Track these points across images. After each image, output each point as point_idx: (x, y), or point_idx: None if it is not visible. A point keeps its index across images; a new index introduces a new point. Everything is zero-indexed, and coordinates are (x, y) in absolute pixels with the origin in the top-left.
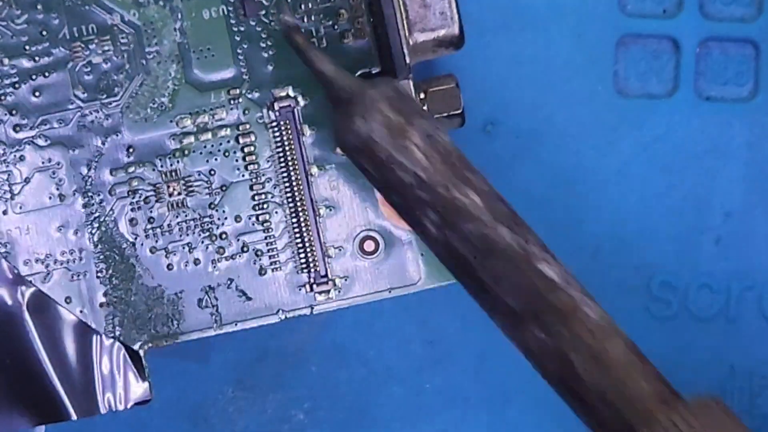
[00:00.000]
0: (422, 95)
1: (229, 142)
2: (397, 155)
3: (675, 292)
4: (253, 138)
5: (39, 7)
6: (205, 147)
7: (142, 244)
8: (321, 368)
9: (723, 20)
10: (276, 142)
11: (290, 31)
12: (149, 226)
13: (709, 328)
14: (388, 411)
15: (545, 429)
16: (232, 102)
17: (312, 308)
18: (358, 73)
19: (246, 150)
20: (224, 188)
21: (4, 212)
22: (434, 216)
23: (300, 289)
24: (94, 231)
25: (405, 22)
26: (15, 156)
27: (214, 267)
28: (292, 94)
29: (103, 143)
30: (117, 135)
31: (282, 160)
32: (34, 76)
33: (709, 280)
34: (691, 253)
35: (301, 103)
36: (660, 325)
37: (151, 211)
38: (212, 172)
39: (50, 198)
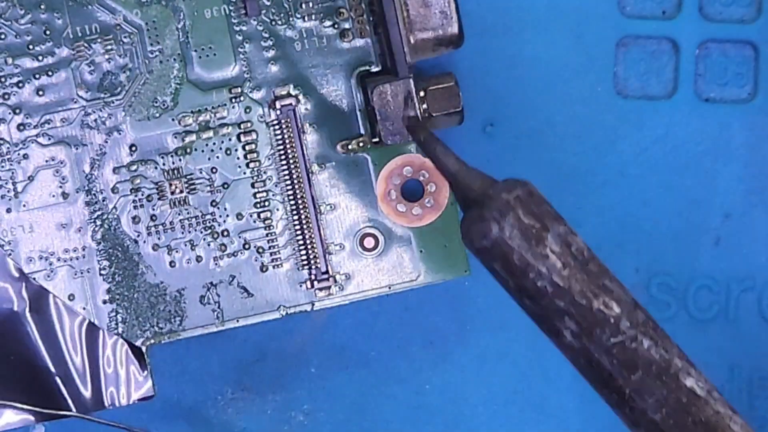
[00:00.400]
0: (422, 93)
1: (230, 140)
2: (534, 262)
3: (674, 292)
4: (254, 136)
5: (42, 6)
6: (206, 145)
7: (144, 242)
8: (321, 369)
9: (722, 22)
10: (277, 140)
11: (413, 125)
12: (152, 224)
13: (708, 329)
14: (388, 411)
15: (545, 429)
16: (233, 100)
17: (313, 304)
18: (358, 71)
19: (247, 148)
20: (226, 186)
21: (8, 210)
22: (573, 325)
23: (301, 286)
24: (97, 229)
25: (405, 20)
26: (19, 154)
27: (216, 264)
28: (293, 92)
29: (106, 141)
30: (120, 133)
31: (283, 158)
32: (37, 76)
33: (709, 280)
34: (691, 254)
35: (302, 101)
36: (660, 326)
37: (153, 209)
38: (214, 170)
39: (53, 196)
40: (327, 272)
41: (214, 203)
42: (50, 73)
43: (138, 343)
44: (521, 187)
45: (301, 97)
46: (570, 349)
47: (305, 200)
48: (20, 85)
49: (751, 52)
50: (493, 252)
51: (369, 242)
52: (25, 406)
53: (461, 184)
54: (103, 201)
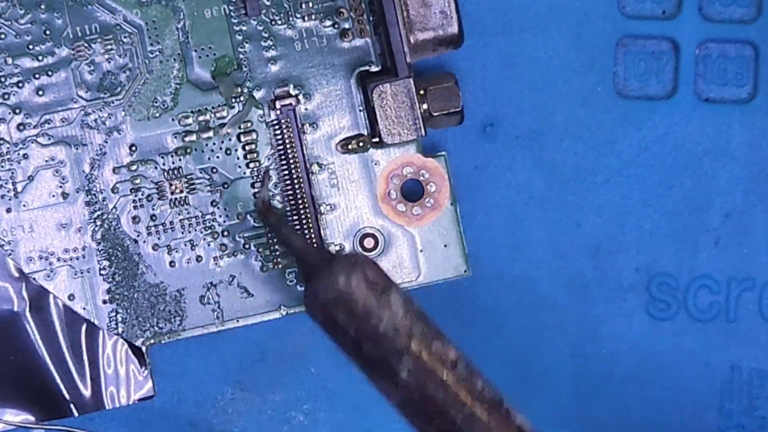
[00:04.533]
0: (422, 93)
1: (230, 140)
2: (377, 309)
3: (674, 292)
4: (254, 136)
5: (42, 6)
6: (206, 145)
7: (144, 242)
8: (320, 369)
9: (722, 22)
10: (277, 140)
11: (264, 208)
12: (152, 224)
13: (708, 329)
14: (388, 411)
15: (545, 429)
16: (233, 100)
17: None
18: (358, 71)
19: (247, 148)
20: (226, 186)
21: (8, 210)
22: (411, 363)
23: (301, 286)
24: (97, 229)
25: (405, 20)
26: (19, 154)
27: (216, 264)
28: (293, 92)
29: (106, 141)
30: (119, 133)
31: (283, 158)
32: (37, 75)
33: (709, 280)
34: (691, 254)
35: (302, 101)
36: (660, 326)
37: (153, 209)
38: (214, 170)
39: (53, 196)
40: None
41: (214, 203)
42: (50, 73)
43: (138, 343)
44: (363, 256)
45: (301, 97)
46: (405, 387)
47: (305, 200)
48: (20, 85)
49: (751, 52)
50: (338, 303)
51: (369, 242)
52: (10, 422)
53: (308, 257)
54: (103, 201)
